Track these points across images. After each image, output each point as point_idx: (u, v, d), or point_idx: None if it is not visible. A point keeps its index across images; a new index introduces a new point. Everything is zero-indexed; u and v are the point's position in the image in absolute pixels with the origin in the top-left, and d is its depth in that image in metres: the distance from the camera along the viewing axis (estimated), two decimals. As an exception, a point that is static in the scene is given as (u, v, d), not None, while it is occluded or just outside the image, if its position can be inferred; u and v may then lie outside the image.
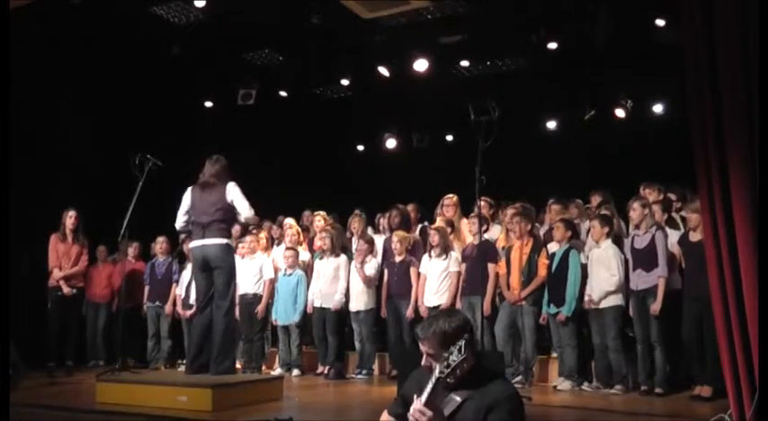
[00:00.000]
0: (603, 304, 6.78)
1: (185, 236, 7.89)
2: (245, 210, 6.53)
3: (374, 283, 8.13)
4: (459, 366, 2.89)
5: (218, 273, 6.51)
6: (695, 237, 6.41)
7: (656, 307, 6.50)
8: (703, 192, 4.87)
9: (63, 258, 8.21)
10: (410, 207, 8.75)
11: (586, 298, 6.89)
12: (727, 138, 4.70)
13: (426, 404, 2.89)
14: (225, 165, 6.72)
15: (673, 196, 7.71)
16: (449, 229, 7.99)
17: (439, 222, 8.23)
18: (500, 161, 6.95)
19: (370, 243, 8.30)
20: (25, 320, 7.43)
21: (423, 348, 3.08)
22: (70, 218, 8.29)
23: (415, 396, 2.96)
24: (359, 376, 8.01)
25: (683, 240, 6.63)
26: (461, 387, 2.97)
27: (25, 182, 7.93)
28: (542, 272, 7.18)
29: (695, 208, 6.28)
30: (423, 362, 3.09)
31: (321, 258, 8.41)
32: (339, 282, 8.15)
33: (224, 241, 6.53)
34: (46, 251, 8.21)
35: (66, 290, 8.12)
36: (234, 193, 6.54)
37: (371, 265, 8.11)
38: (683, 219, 7.16)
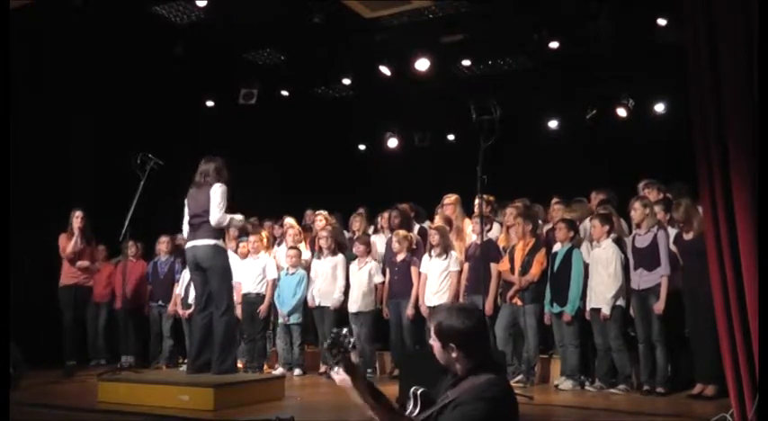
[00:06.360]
0: (605, 308, 6.77)
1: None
2: (214, 213, 6.35)
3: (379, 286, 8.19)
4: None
5: (210, 274, 6.48)
6: (689, 235, 6.41)
7: (659, 306, 6.48)
8: (705, 191, 4.86)
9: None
10: (404, 206, 8.71)
11: (588, 308, 6.90)
12: (728, 137, 4.69)
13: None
14: (217, 165, 6.55)
15: (669, 195, 7.69)
16: (448, 228, 7.99)
17: (437, 221, 8.23)
18: (501, 160, 6.93)
19: (367, 244, 8.32)
20: (26, 320, 7.42)
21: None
22: (77, 218, 8.26)
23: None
24: (360, 376, 8.00)
25: (678, 239, 6.60)
26: (456, 387, 2.95)
27: (26, 182, 7.93)
28: (535, 269, 7.17)
29: (687, 209, 6.36)
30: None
31: (318, 257, 8.42)
32: (337, 281, 8.18)
33: (212, 242, 6.45)
34: (46, 251, 8.21)
35: (74, 280, 8.14)
36: (213, 195, 6.38)
37: (374, 269, 8.14)
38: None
